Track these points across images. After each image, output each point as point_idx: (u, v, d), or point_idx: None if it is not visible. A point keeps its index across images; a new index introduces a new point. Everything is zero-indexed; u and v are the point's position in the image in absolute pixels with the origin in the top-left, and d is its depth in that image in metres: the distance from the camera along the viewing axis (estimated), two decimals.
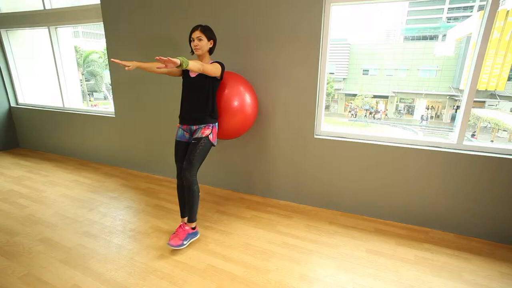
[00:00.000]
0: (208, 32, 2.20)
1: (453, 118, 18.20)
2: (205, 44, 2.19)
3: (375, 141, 2.60)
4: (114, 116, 3.83)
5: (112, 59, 2.01)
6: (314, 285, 1.88)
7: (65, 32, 4.22)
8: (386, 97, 20.81)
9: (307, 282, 1.90)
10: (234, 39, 2.82)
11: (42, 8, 3.99)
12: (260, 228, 2.55)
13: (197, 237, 2.32)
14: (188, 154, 2.21)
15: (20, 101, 4.73)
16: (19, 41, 4.58)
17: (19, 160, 4.30)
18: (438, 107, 19.84)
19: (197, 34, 2.16)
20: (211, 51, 2.29)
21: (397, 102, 20.87)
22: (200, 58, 2.27)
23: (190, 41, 2.22)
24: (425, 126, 17.81)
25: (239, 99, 2.45)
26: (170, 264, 2.07)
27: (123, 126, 3.80)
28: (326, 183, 2.83)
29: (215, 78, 2.21)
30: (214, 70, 2.12)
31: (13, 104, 4.71)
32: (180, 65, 1.80)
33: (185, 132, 2.33)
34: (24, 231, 2.48)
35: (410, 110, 20.52)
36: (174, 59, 1.75)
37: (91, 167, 4.05)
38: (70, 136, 4.35)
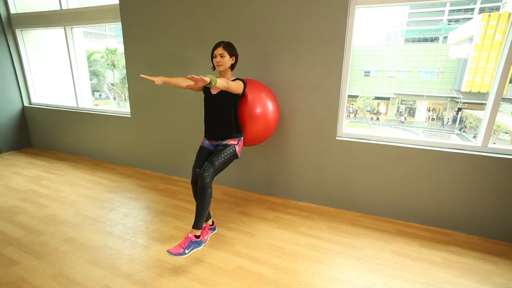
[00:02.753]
0: (231, 49, 2.21)
1: (454, 120, 18.19)
2: (228, 60, 2.20)
3: (397, 143, 2.61)
4: (129, 116, 3.83)
5: (141, 75, 2.03)
6: (345, 287, 1.89)
7: (77, 32, 4.22)
8: (388, 98, 20.84)
9: (338, 284, 1.91)
10: (257, 41, 2.83)
11: (59, 8, 3.99)
12: (283, 229, 2.56)
13: (200, 247, 2.10)
14: (212, 156, 2.18)
15: (33, 100, 4.73)
16: (33, 40, 4.59)
17: (33, 160, 4.29)
18: (439, 109, 19.87)
19: (219, 51, 2.17)
20: (232, 67, 2.30)
21: (398, 103, 20.89)
22: (222, 74, 2.27)
23: (212, 58, 2.23)
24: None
25: (262, 107, 2.44)
26: (199, 265, 2.08)
27: (139, 126, 3.81)
28: (347, 185, 2.84)
29: (237, 94, 2.22)
30: (237, 87, 2.14)
31: (26, 104, 4.71)
32: (209, 83, 1.83)
33: (211, 144, 2.35)
34: (48, 230, 2.48)
35: (411, 112, 20.53)
36: (205, 78, 1.78)
37: (106, 167, 4.05)
38: (83, 136, 4.35)
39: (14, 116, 4.61)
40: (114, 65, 21.28)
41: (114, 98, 20.90)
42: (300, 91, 2.79)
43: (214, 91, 2.25)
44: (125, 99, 20.81)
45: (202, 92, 2.37)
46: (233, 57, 2.25)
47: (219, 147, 2.24)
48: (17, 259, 2.10)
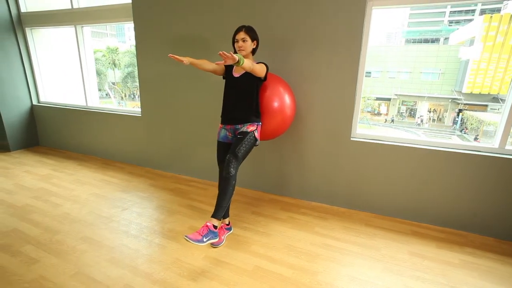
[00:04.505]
0: (252, 33, 2.22)
1: (455, 121, 18.20)
2: (249, 45, 2.21)
3: (412, 144, 2.61)
4: (140, 115, 3.83)
5: (170, 55, 2.06)
6: (365, 287, 1.90)
7: (86, 31, 4.22)
8: (389, 99, 20.87)
9: (358, 284, 1.92)
10: (273, 40, 2.83)
11: (70, 7, 3.98)
12: (298, 229, 2.57)
13: (216, 240, 2.01)
14: (233, 147, 2.16)
15: (41, 99, 4.72)
16: (42, 39, 4.58)
17: (41, 158, 4.29)
18: (440, 110, 19.91)
19: (241, 35, 2.17)
20: (254, 51, 2.30)
21: (399, 104, 20.92)
22: None
23: (233, 42, 2.23)
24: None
25: (279, 100, 2.46)
26: (217, 265, 2.08)
27: (150, 125, 3.80)
28: (361, 185, 2.85)
29: (259, 78, 2.22)
30: (261, 70, 2.15)
31: (34, 102, 4.70)
32: (238, 62, 1.86)
33: (227, 133, 2.32)
34: (63, 229, 2.48)
35: (412, 113, 20.57)
36: (235, 56, 1.81)
37: (116, 166, 4.05)
38: (92, 135, 4.34)
39: (23, 115, 4.60)
40: (115, 64, 21.26)
41: (122, 98, 20.89)
42: (315, 91, 2.79)
43: (236, 74, 2.25)
44: (131, 98, 20.83)
45: (222, 77, 2.37)
46: (255, 41, 2.25)
47: (239, 136, 2.21)
48: (37, 257, 2.10)
